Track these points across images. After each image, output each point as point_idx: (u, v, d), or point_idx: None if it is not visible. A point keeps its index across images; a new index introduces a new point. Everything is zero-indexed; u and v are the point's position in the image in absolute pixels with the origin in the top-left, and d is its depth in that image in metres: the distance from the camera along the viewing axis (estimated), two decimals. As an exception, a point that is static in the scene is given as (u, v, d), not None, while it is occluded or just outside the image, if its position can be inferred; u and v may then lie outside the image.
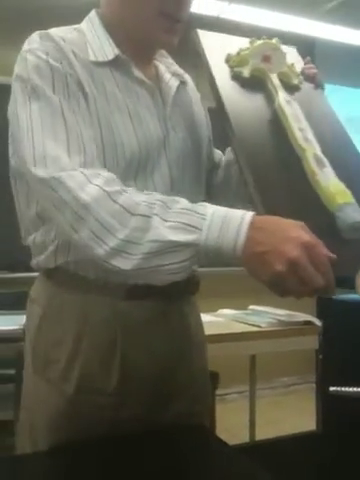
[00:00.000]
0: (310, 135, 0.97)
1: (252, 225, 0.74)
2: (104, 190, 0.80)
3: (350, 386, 0.65)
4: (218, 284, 3.06)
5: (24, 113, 0.87)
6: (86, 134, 0.88)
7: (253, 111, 1.01)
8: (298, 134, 0.95)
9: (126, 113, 0.94)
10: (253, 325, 2.24)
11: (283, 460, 0.89)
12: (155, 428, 0.97)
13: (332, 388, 0.65)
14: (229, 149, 1.21)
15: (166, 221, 0.77)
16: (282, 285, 0.71)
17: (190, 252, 0.76)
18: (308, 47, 3.81)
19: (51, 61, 0.89)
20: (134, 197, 0.80)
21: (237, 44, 1.09)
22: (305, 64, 1.14)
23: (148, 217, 0.77)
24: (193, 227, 0.75)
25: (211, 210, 0.76)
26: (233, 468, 0.86)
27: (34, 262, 1.02)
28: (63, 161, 0.83)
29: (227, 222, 0.74)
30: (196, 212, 0.77)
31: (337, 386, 0.65)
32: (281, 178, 0.91)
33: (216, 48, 1.08)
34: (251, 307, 2.52)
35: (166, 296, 0.98)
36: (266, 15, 3.42)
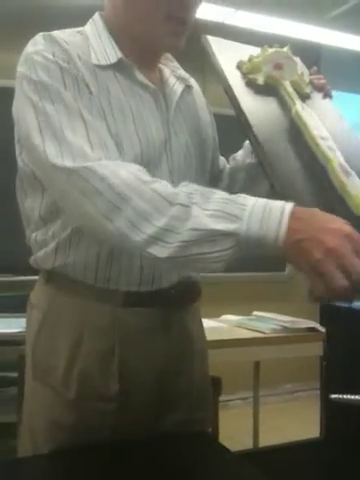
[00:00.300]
0: (332, 144, 0.96)
1: (293, 215, 0.72)
2: (139, 178, 0.79)
3: (353, 394, 0.65)
4: (222, 290, 3.06)
5: (39, 113, 0.86)
6: (103, 130, 0.88)
7: (272, 119, 1.01)
8: (321, 143, 0.95)
9: (129, 116, 0.94)
10: (257, 331, 2.23)
11: (285, 467, 0.89)
12: (156, 434, 0.96)
13: (333, 396, 0.65)
14: (233, 156, 1.21)
15: (206, 210, 0.75)
16: (323, 276, 0.68)
17: (231, 242, 0.74)
18: (314, 54, 3.81)
19: (59, 61, 0.89)
20: (170, 187, 0.79)
21: (245, 51, 1.09)
22: (312, 74, 1.13)
23: (187, 206, 0.76)
24: (234, 216, 0.74)
25: (251, 201, 0.75)
26: (234, 474, 0.86)
27: (32, 259, 1.02)
28: (88, 153, 0.82)
29: (268, 212, 0.73)
30: (236, 202, 0.75)
31: (340, 393, 0.65)
32: (309, 187, 0.91)
33: (226, 54, 1.08)
34: (255, 313, 2.51)
35: (166, 304, 0.97)
36: (272, 22, 3.43)
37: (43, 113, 0.86)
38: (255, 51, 1.09)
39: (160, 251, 0.76)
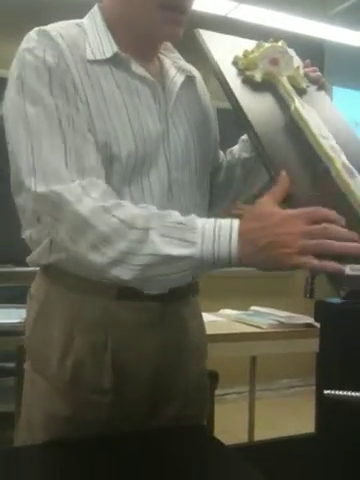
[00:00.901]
0: (334, 143, 0.96)
1: (241, 228, 0.79)
2: (101, 205, 0.83)
3: (347, 390, 0.66)
4: (220, 284, 3.06)
5: (21, 117, 0.87)
6: (83, 139, 0.88)
7: (272, 117, 1.00)
8: (323, 142, 0.95)
9: (124, 111, 0.93)
10: (254, 326, 2.24)
11: (279, 461, 0.89)
12: (152, 428, 0.97)
13: (326, 391, 0.65)
14: (230, 150, 1.21)
15: (162, 235, 0.80)
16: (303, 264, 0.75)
17: (187, 265, 0.80)
18: (317, 49, 3.80)
19: (48, 60, 0.88)
20: (131, 210, 0.83)
21: (240, 45, 1.08)
22: (305, 66, 1.12)
23: (145, 230, 0.80)
24: (187, 242, 0.79)
25: (200, 223, 0.81)
26: (228, 468, 0.86)
27: (28, 258, 1.03)
28: (61, 172, 0.85)
29: (218, 232, 0.79)
30: (188, 226, 0.81)
31: (333, 389, 0.66)
32: (311, 185, 0.92)
33: (221, 49, 1.07)
34: (252, 308, 2.52)
35: (159, 298, 0.97)
36: (275, 16, 3.42)
37: (23, 117, 0.87)
38: (249, 44, 1.08)
39: (123, 273, 0.81)
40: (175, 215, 0.83)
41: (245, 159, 1.16)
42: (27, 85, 0.88)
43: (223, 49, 1.08)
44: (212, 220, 0.81)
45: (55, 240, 0.94)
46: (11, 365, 2.08)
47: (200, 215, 1.06)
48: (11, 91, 0.90)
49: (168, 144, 0.98)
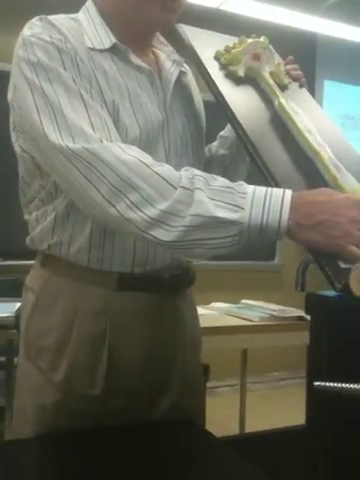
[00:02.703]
0: (319, 138, 0.97)
1: (294, 200, 0.75)
2: (142, 161, 0.79)
3: (337, 381, 0.66)
4: (211, 277, 3.07)
5: (38, 94, 0.85)
6: (103, 111, 0.87)
7: (256, 112, 1.01)
8: (309, 137, 0.95)
9: (126, 97, 0.94)
10: (245, 319, 2.25)
11: (270, 452, 0.90)
12: (143, 421, 0.97)
13: (316, 383, 0.66)
14: (208, 147, 1.20)
15: (208, 197, 0.76)
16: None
17: (234, 230, 0.76)
18: (309, 43, 3.80)
19: (55, 41, 0.89)
20: (173, 170, 0.80)
21: (221, 40, 1.10)
22: (288, 63, 1.13)
23: (190, 190, 0.77)
24: (236, 206, 0.76)
25: (250, 189, 0.77)
26: (220, 460, 0.87)
27: (29, 238, 1.02)
28: (89, 134, 0.82)
29: (269, 200, 0.75)
30: (237, 191, 0.77)
31: (323, 381, 0.66)
32: (301, 180, 0.92)
33: (202, 44, 1.08)
34: (244, 301, 2.53)
35: (159, 289, 0.98)
36: (266, 9, 3.40)
37: (42, 94, 0.85)
38: (231, 40, 1.09)
39: (163, 234, 0.77)
40: (222, 180, 0.79)
41: (222, 156, 1.17)
42: (40, 65, 0.87)
43: (205, 44, 1.09)
44: (263, 187, 0.77)
45: (58, 217, 0.94)
46: (1, 359, 2.07)
47: None
48: (21, 77, 0.88)
49: (167, 134, 0.99)
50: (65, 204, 0.95)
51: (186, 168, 0.82)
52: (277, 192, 0.76)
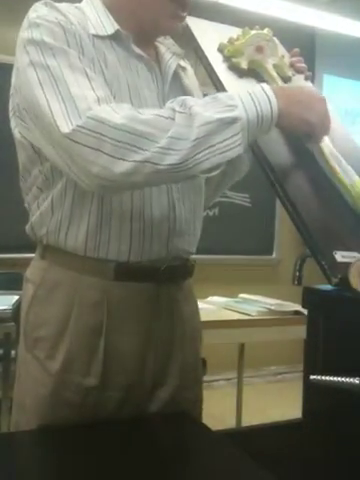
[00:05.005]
0: None
1: (273, 89, 0.87)
2: (133, 112, 0.83)
3: (334, 375, 0.66)
4: (209, 272, 3.07)
5: (43, 71, 0.86)
6: (107, 88, 0.89)
7: None
8: None
9: (125, 85, 0.95)
10: (243, 313, 2.25)
11: (267, 446, 0.90)
12: (141, 414, 0.97)
13: (313, 377, 0.66)
14: None
15: (204, 109, 0.83)
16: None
17: (238, 126, 0.83)
18: (308, 37, 3.79)
19: (62, 23, 0.91)
20: (162, 109, 0.85)
21: (225, 31, 1.10)
22: (292, 56, 1.14)
23: (186, 112, 0.82)
24: (230, 106, 0.84)
25: (234, 92, 0.87)
26: (215, 453, 0.87)
27: (28, 225, 1.02)
28: (90, 98, 0.83)
29: (254, 96, 0.85)
30: (223, 96, 0.85)
31: (320, 375, 0.66)
32: (302, 174, 0.93)
33: (207, 36, 1.09)
34: (241, 295, 2.53)
35: (156, 279, 0.98)
36: (267, 3, 3.39)
37: (46, 70, 0.86)
38: (235, 32, 1.09)
39: (178, 157, 0.80)
40: (204, 98, 0.87)
41: None
42: (45, 44, 0.88)
43: (209, 36, 1.09)
44: (242, 90, 0.87)
45: (55, 199, 0.95)
46: (-1, 351, 2.07)
47: (197, 200, 1.06)
48: (25, 55, 0.88)
49: None
50: (61, 187, 0.95)
51: (171, 100, 0.86)
52: (256, 88, 0.87)
